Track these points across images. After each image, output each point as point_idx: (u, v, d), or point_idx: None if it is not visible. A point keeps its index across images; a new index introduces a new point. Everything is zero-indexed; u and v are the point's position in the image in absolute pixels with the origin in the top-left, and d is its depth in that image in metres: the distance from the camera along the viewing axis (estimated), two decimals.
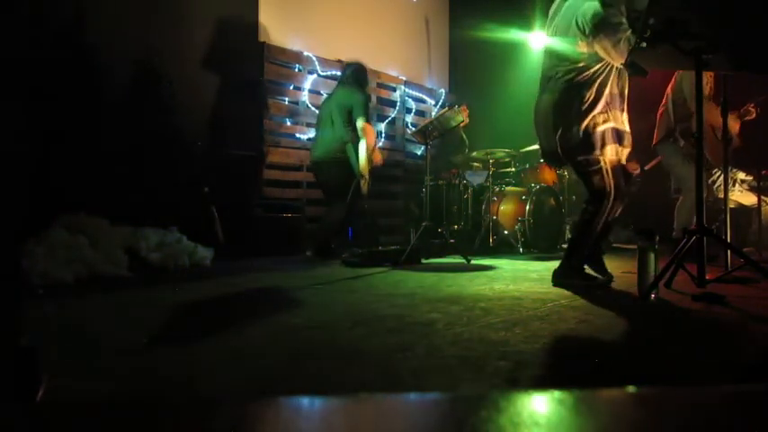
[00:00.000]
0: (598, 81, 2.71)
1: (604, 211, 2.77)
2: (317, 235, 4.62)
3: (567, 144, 2.77)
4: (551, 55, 2.87)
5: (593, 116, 2.70)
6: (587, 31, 2.65)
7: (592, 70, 2.71)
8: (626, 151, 2.82)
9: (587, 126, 2.70)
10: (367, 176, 4.38)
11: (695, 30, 2.30)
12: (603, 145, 2.72)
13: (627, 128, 2.83)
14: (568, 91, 2.74)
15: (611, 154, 2.75)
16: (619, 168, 2.78)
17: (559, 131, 2.77)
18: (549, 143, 2.87)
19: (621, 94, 2.82)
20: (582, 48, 2.70)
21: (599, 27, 2.62)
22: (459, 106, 4.49)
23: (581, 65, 2.72)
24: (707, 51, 2.37)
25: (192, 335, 1.90)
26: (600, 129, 2.71)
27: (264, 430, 0.90)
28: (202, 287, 2.99)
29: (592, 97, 2.70)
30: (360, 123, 4.33)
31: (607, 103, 2.74)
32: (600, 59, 2.70)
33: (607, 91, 2.73)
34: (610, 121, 2.74)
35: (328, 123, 4.51)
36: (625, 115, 2.83)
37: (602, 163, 2.73)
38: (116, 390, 1.30)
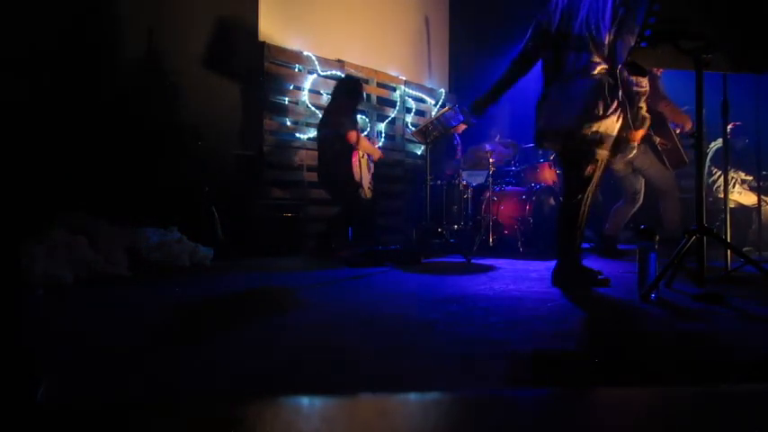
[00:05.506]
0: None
1: (586, 200, 2.83)
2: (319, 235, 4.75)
3: (597, 127, 2.73)
4: (586, 40, 2.77)
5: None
6: (616, 24, 2.68)
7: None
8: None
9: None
10: (363, 183, 4.49)
11: (695, 29, 2.30)
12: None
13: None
14: (613, 77, 2.75)
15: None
16: (606, 165, 2.87)
17: (599, 114, 2.72)
18: (564, 124, 2.82)
19: None
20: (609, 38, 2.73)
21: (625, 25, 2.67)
22: (458, 106, 4.51)
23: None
24: (707, 51, 2.37)
25: (192, 335, 1.90)
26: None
27: (264, 430, 0.90)
28: (202, 287, 2.99)
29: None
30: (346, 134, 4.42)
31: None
32: None
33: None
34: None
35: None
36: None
37: (600, 158, 2.78)
38: (115, 390, 1.30)
